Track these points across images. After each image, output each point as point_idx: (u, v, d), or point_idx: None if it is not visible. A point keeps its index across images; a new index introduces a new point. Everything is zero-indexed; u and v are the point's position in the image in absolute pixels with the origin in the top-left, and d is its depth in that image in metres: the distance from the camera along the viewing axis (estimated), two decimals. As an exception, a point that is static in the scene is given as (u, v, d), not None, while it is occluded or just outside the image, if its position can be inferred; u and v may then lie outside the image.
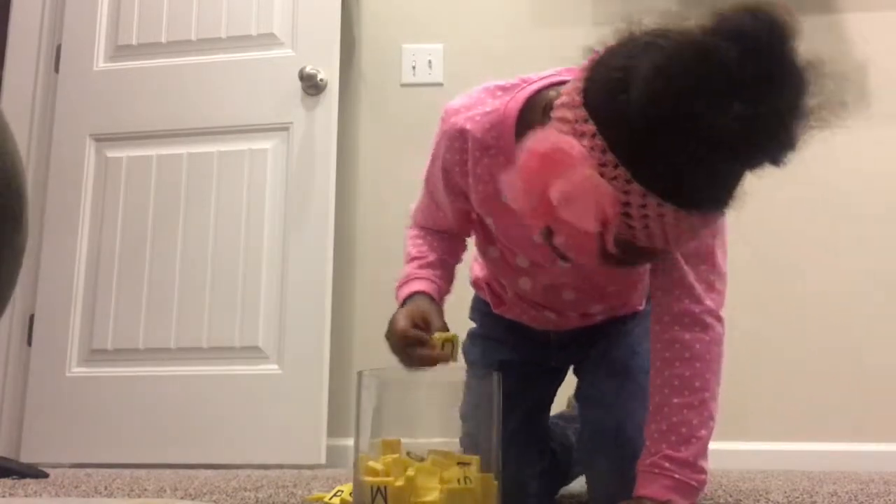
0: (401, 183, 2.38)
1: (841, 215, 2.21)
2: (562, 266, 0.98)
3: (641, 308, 1.10)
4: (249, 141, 2.28)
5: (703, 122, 0.65)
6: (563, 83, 0.81)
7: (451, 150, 1.04)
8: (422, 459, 0.67)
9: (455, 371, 0.71)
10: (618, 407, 0.99)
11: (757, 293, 2.09)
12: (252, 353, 2.17)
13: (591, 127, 0.68)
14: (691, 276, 0.89)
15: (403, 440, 0.68)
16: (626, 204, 0.68)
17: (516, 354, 1.14)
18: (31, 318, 2.29)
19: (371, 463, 0.67)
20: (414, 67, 2.42)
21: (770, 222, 2.16)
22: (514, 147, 0.85)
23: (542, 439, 1.17)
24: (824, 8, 2.30)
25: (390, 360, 0.99)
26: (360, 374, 0.70)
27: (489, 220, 1.02)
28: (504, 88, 0.95)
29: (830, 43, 2.30)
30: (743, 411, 1.98)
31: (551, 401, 1.21)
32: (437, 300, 1.04)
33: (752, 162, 0.72)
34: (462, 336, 1.04)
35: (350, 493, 0.95)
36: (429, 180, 1.11)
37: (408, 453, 0.67)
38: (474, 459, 0.67)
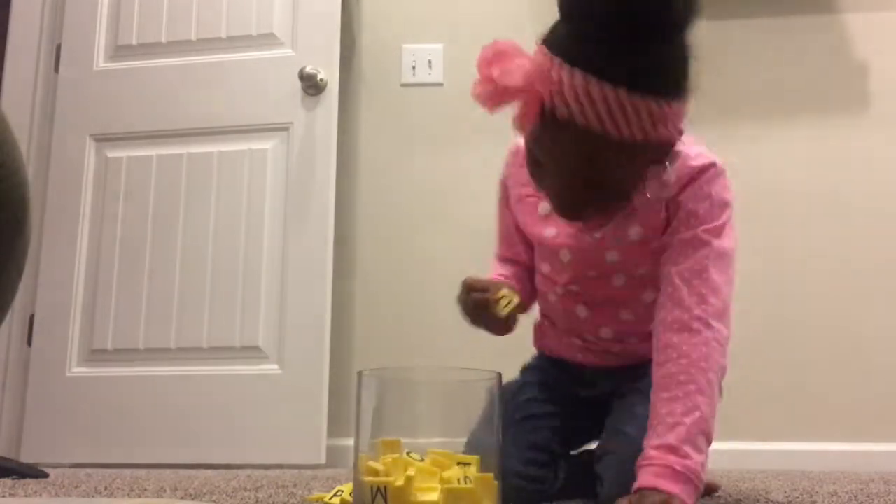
0: (401, 183, 2.39)
1: (841, 216, 2.21)
2: (564, 259, 1.08)
3: None
4: (249, 141, 2.28)
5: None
6: None
7: (506, 164, 1.17)
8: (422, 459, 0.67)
9: (455, 371, 0.71)
10: (634, 436, 0.98)
11: (757, 294, 2.09)
12: (252, 353, 2.17)
13: (540, 47, 0.92)
14: (683, 292, 0.97)
15: (403, 440, 0.68)
16: (560, 82, 0.87)
17: (550, 377, 1.19)
18: (31, 318, 2.29)
19: (371, 463, 0.67)
20: (414, 67, 2.42)
21: (769, 223, 2.16)
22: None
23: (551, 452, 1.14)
24: (824, 8, 2.31)
25: (390, 360, 1.00)
26: (360, 374, 0.70)
27: (521, 221, 1.14)
28: None
29: (830, 43, 2.30)
30: (743, 411, 1.98)
31: (576, 431, 1.18)
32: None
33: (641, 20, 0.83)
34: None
35: (350, 493, 0.95)
36: (498, 206, 1.22)
37: (408, 453, 0.67)
38: (474, 459, 0.67)
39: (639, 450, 0.93)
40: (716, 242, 0.99)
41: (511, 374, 1.22)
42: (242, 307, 2.19)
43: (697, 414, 0.91)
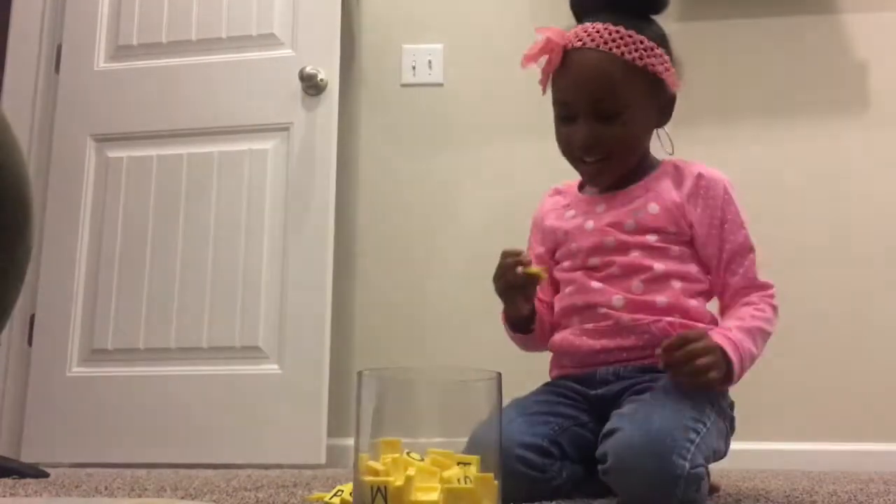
0: (401, 183, 2.39)
1: (841, 216, 2.21)
2: (588, 228, 1.22)
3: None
4: (249, 141, 2.28)
5: None
6: None
7: (541, 203, 1.35)
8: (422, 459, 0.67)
9: (455, 371, 0.71)
10: (642, 418, 0.99)
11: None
12: (252, 353, 2.17)
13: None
14: (744, 271, 1.20)
15: (403, 440, 0.68)
16: (573, 34, 1.20)
17: (561, 387, 1.21)
18: (32, 318, 2.30)
19: (371, 463, 0.67)
20: (414, 67, 2.43)
21: (769, 223, 2.16)
22: (574, 191, 1.30)
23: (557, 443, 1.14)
24: (824, 8, 2.31)
25: (390, 360, 1.00)
26: (360, 374, 0.70)
27: (551, 226, 1.29)
28: None
29: (830, 43, 2.30)
30: (743, 411, 1.98)
31: (584, 435, 1.16)
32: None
33: None
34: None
35: (350, 493, 0.95)
36: (528, 240, 1.35)
37: (408, 453, 0.67)
38: (474, 459, 0.67)
39: (647, 429, 0.94)
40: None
41: (511, 374, 1.21)
42: (242, 307, 2.19)
43: (755, 324, 1.12)
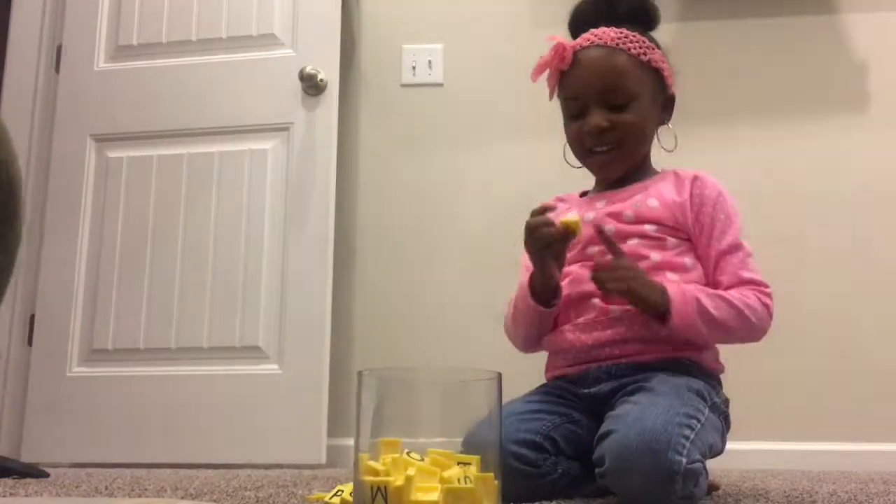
0: (401, 183, 2.39)
1: (841, 216, 2.21)
2: (587, 218, 1.23)
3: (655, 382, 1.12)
4: (249, 141, 2.28)
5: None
6: None
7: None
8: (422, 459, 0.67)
9: (455, 371, 0.71)
10: (635, 418, 0.99)
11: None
12: (252, 353, 2.17)
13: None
14: (733, 269, 1.19)
15: (403, 440, 0.68)
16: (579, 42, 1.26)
17: (554, 387, 1.22)
18: (32, 318, 2.30)
19: (371, 463, 0.67)
20: (414, 67, 2.43)
21: (769, 223, 2.16)
22: (576, 197, 1.34)
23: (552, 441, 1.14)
24: (824, 8, 2.31)
25: (390, 360, 1.00)
26: (360, 374, 0.70)
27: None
28: None
29: (830, 43, 2.30)
30: (743, 411, 1.98)
31: (578, 433, 1.16)
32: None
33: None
34: None
35: (350, 493, 0.95)
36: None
37: (408, 453, 0.67)
38: (474, 459, 0.67)
39: (641, 428, 0.94)
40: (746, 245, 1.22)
41: (510, 374, 1.21)
42: (242, 307, 2.19)
43: (725, 296, 1.13)
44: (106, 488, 1.31)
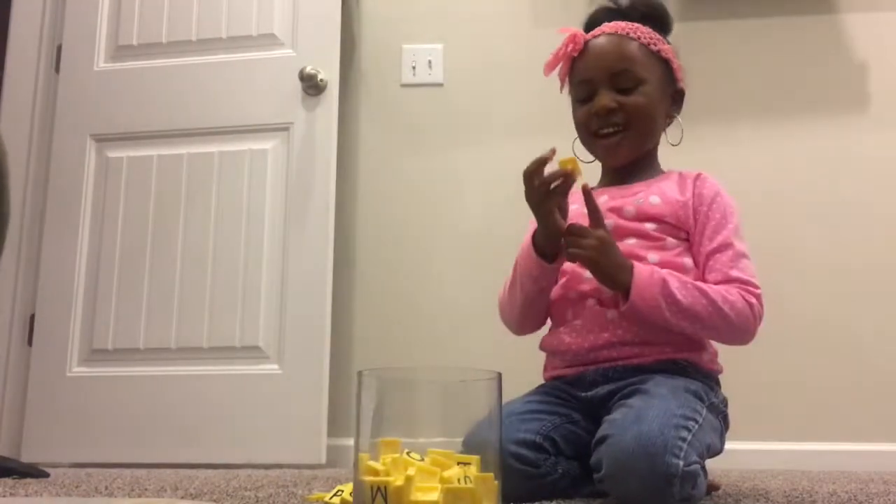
0: (401, 183, 2.39)
1: (841, 216, 2.21)
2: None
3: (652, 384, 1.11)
4: (249, 141, 2.28)
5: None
6: None
7: None
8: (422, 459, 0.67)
9: (455, 371, 0.71)
10: (631, 422, 0.99)
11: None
12: (252, 352, 2.17)
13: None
14: (721, 266, 1.18)
15: (403, 440, 0.68)
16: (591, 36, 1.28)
17: (551, 388, 1.22)
18: (32, 318, 2.30)
19: (371, 463, 0.67)
20: (414, 67, 2.42)
21: (769, 223, 2.16)
22: (578, 195, 1.25)
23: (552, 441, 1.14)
24: (824, 8, 2.31)
25: (390, 360, 1.00)
26: (360, 374, 0.70)
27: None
28: None
29: (830, 43, 2.30)
30: (743, 411, 1.98)
31: (577, 433, 1.15)
32: None
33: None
34: None
35: (350, 493, 0.95)
36: None
37: (408, 453, 0.67)
38: (474, 459, 0.67)
39: (638, 432, 0.94)
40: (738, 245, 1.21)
41: (510, 374, 1.21)
42: (242, 307, 2.19)
43: (701, 286, 1.12)
44: (106, 488, 1.31)
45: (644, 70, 1.24)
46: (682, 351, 1.17)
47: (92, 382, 2.22)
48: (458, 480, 0.65)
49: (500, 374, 0.71)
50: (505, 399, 0.78)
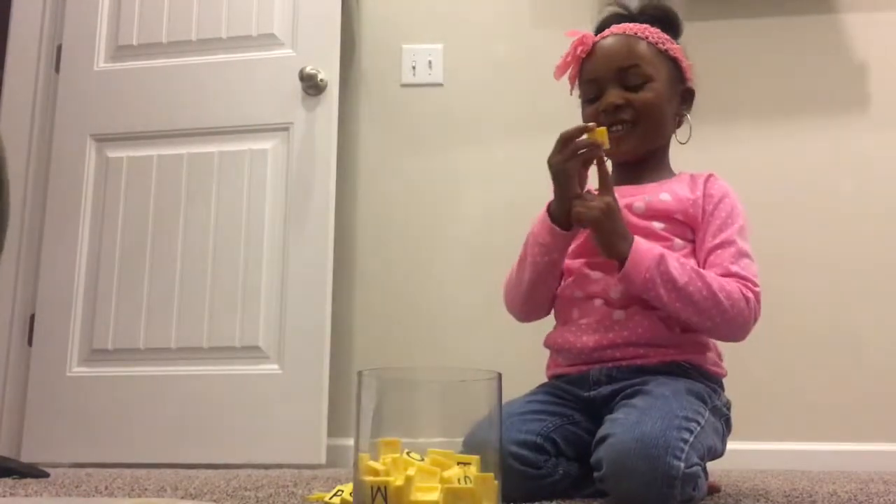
0: (401, 183, 2.39)
1: (841, 216, 2.21)
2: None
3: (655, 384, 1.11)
4: (249, 141, 2.28)
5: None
6: None
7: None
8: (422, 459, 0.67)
9: (455, 371, 0.71)
10: (632, 422, 0.99)
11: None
12: (252, 353, 2.17)
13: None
14: (721, 261, 1.17)
15: (403, 440, 0.68)
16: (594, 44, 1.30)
17: (554, 388, 1.22)
18: (32, 318, 2.30)
19: (371, 463, 0.67)
20: (414, 67, 2.42)
21: (769, 223, 2.16)
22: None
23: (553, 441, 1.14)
24: (824, 8, 2.31)
25: (390, 360, 1.00)
26: (360, 374, 0.70)
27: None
28: None
29: (830, 43, 2.30)
30: (743, 411, 1.98)
31: (579, 434, 1.15)
32: None
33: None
34: None
35: (350, 493, 0.95)
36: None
37: (408, 453, 0.67)
38: (474, 459, 0.67)
39: (639, 433, 0.94)
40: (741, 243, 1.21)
41: (510, 374, 1.21)
42: (242, 307, 2.19)
43: (700, 271, 1.12)
44: (106, 488, 1.31)
45: (652, 67, 1.25)
46: (686, 353, 1.17)
47: (92, 382, 2.22)
48: (458, 480, 0.65)
49: (500, 374, 0.71)
50: (505, 399, 0.78)
